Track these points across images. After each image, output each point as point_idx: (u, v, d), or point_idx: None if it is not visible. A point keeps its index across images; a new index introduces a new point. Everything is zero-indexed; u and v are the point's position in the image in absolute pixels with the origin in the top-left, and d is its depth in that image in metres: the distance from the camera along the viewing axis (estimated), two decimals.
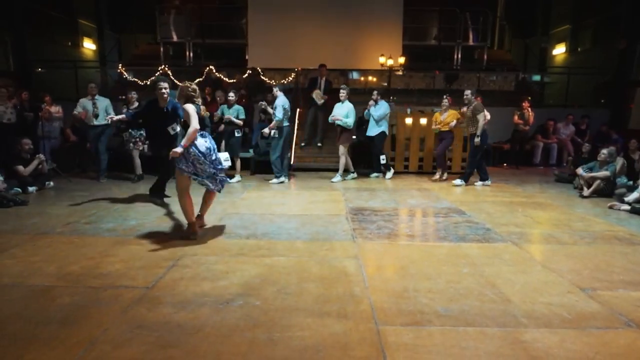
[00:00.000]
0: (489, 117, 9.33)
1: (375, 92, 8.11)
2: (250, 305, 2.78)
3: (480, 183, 7.38)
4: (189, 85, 4.26)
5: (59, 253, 3.77)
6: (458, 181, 7.38)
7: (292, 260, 3.64)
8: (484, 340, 2.41)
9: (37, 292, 2.97)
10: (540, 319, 2.66)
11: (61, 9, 13.26)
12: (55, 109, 8.74)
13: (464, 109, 7.39)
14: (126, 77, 11.77)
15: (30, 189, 6.40)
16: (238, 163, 7.70)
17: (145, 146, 7.56)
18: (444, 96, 7.94)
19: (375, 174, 8.20)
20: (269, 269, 3.43)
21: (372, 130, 8.01)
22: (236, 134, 7.54)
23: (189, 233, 4.23)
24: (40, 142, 7.80)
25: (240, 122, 7.52)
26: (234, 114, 7.48)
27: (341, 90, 7.79)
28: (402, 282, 3.23)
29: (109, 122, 6.13)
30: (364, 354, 2.27)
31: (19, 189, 6.26)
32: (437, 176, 7.93)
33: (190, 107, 4.15)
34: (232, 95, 7.59)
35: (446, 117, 7.71)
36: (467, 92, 7.41)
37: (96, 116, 7.38)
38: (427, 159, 8.72)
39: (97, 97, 7.50)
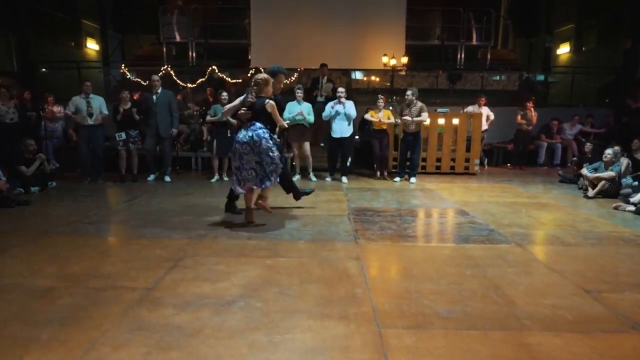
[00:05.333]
0: (492, 117, 9.32)
1: (342, 89, 7.64)
2: (251, 307, 2.76)
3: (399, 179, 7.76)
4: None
5: (60, 253, 3.77)
6: (413, 179, 7.65)
7: (294, 261, 3.61)
8: (486, 343, 2.38)
9: (38, 293, 2.95)
10: (544, 322, 2.63)
11: (64, 9, 13.30)
12: (58, 109, 8.75)
13: (412, 108, 7.40)
14: (129, 78, 11.78)
15: (33, 189, 6.41)
16: (226, 163, 7.73)
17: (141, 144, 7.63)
18: (379, 96, 7.93)
19: (344, 178, 7.66)
20: (270, 270, 3.40)
21: (345, 131, 7.51)
22: (228, 134, 7.55)
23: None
24: (43, 142, 7.79)
25: (235, 122, 7.54)
26: None
27: (298, 91, 7.51)
28: (404, 283, 3.20)
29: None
30: (366, 357, 2.24)
31: (22, 189, 6.27)
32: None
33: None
34: (225, 95, 7.60)
35: (383, 115, 7.71)
36: (409, 92, 7.49)
37: (90, 115, 7.13)
38: (430, 159, 8.67)
39: (91, 95, 7.24)
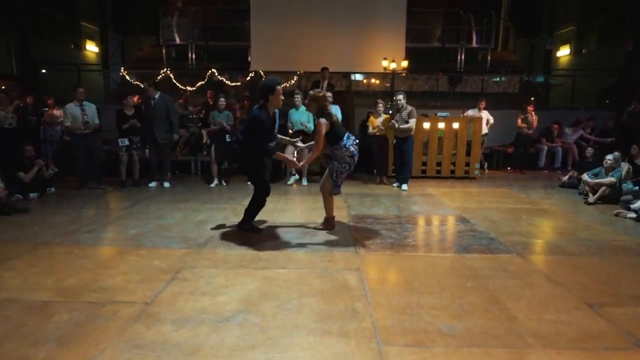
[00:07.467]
0: (492, 121, 9.28)
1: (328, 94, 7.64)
2: (249, 323, 2.73)
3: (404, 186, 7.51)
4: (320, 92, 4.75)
5: (58, 264, 3.74)
6: (404, 186, 7.47)
7: (293, 273, 3.58)
8: None
9: (35, 308, 2.92)
10: (547, 338, 2.60)
11: (65, 11, 13.28)
12: (57, 112, 8.70)
13: (402, 113, 7.35)
14: (129, 80, 11.75)
15: (32, 194, 6.38)
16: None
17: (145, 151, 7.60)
18: (378, 100, 7.92)
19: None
20: (269, 282, 3.37)
21: None
22: (227, 139, 7.55)
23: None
24: (42, 146, 7.76)
25: (229, 128, 7.55)
26: (225, 119, 7.50)
27: (296, 96, 7.50)
28: (405, 296, 3.17)
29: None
30: None
31: (20, 195, 6.24)
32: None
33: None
34: (222, 100, 7.60)
35: (382, 121, 7.69)
36: (400, 96, 7.46)
37: (85, 124, 7.04)
38: (430, 163, 8.64)
39: (84, 102, 7.12)
